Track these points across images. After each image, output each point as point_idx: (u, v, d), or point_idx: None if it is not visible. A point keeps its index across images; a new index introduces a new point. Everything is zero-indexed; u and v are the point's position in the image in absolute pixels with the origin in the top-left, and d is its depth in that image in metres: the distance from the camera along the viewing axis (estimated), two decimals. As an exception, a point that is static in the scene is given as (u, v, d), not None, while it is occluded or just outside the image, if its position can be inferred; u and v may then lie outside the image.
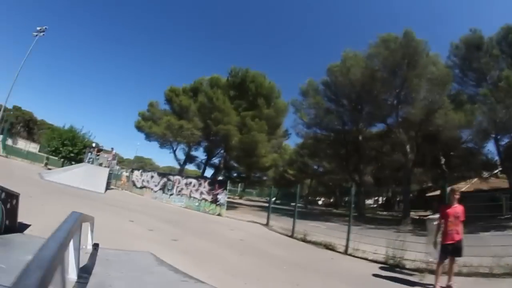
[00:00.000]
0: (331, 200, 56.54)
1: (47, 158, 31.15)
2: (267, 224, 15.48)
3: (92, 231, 4.14)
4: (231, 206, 23.95)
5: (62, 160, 29.79)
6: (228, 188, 22.39)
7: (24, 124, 53.37)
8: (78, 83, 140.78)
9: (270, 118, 26.94)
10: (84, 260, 3.03)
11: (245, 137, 25.73)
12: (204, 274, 5.53)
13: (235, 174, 34.82)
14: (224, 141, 27.45)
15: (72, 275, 2.33)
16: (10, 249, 3.45)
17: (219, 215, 19.79)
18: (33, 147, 39.19)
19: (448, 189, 7.17)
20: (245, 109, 27.08)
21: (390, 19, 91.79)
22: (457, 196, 6.04)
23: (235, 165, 32.27)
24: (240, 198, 49.90)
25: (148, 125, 29.85)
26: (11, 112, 50.23)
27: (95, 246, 4.16)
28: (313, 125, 30.36)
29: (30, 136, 47.39)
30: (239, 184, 44.63)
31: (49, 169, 26.37)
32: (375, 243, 8.71)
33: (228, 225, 14.72)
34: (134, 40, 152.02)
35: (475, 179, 27.80)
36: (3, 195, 5.07)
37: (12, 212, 5.38)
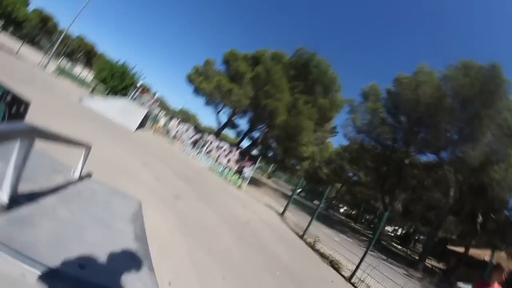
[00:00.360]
0: (353, 212, 54.99)
1: (95, 86, 32.08)
2: (282, 214, 14.95)
3: (85, 159, 3.94)
4: (255, 182, 23.43)
5: (108, 91, 30.54)
6: (258, 164, 21.84)
7: (85, 54, 55.71)
8: (143, 25, 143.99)
9: (323, 108, 25.65)
10: (47, 187, 2.74)
11: (291, 118, 24.72)
12: (183, 247, 4.97)
13: (270, 154, 33.92)
14: (270, 117, 26.33)
15: (2, 195, 2.01)
16: None
17: (239, 187, 19.46)
18: (86, 74, 40.53)
19: (494, 262, 5.84)
20: (300, 92, 25.85)
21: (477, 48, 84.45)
22: (502, 277, 4.68)
23: (273, 145, 31.28)
24: (268, 178, 49.47)
25: (199, 80, 29.61)
26: (75, 41, 53.91)
27: (85, 176, 4.01)
28: (364, 131, 28.78)
29: (88, 65, 49.15)
30: (272, 165, 44.20)
31: (93, 96, 26.95)
32: (384, 282, 7.81)
33: (242, 201, 14.21)
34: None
35: (502, 253, 24.51)
36: (9, 97, 4.78)
37: (18, 118, 5.00)
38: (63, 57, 33.29)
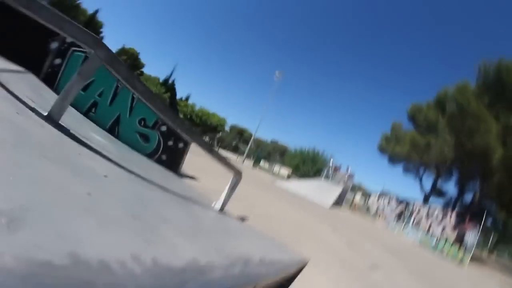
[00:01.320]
0: None
1: (289, 174, 36.40)
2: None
3: (231, 189, 3.21)
4: (475, 257, 18.16)
5: (301, 176, 33.78)
6: (481, 227, 17.92)
7: (280, 153, 66.96)
8: (319, 109, 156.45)
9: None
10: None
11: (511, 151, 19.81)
12: None
13: (488, 222, 26.22)
14: (482, 160, 21.87)
15: None
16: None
17: (460, 263, 15.82)
18: (280, 168, 47.71)
19: None
20: (506, 113, 21.29)
21: None
22: None
23: (492, 207, 24.79)
24: (490, 254, 36.23)
25: (391, 146, 29.43)
26: (269, 144, 73.19)
27: (231, 216, 3.20)
28: None
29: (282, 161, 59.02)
30: (492, 236, 34.40)
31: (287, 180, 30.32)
32: None
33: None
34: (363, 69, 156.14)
35: None
36: (163, 128, 5.02)
37: (176, 154, 5.27)
38: (256, 154, 42.13)
